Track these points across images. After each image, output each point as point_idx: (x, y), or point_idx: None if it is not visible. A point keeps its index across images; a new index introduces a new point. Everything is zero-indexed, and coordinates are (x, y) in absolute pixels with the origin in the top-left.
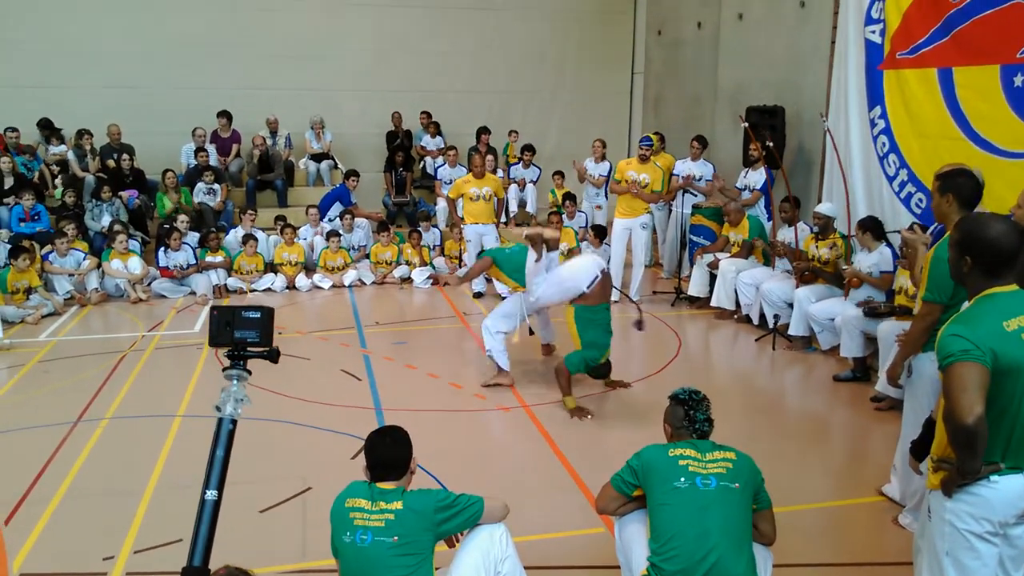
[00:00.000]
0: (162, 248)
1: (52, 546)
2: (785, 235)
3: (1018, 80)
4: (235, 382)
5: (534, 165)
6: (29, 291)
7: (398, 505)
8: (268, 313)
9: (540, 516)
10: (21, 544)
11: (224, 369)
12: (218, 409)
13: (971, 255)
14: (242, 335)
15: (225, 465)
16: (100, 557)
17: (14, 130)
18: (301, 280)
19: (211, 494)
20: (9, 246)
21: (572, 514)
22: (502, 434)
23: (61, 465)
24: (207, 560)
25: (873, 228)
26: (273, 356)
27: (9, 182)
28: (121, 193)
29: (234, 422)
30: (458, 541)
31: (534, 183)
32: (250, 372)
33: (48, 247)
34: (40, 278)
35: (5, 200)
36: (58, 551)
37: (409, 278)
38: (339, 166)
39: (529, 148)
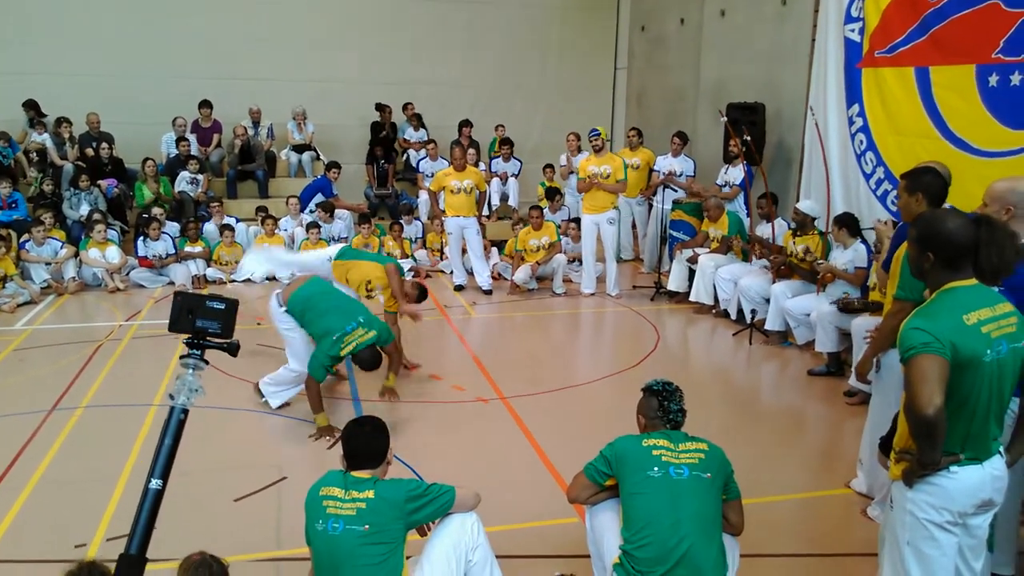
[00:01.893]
0: (141, 237)
1: (25, 533)
2: (763, 231)
3: (993, 80)
4: (191, 371)
5: (515, 158)
6: (5, 279)
7: (370, 494)
8: (232, 305)
9: (513, 505)
10: None
11: (181, 357)
12: (171, 397)
13: (931, 250)
14: (204, 324)
15: (172, 454)
16: (72, 544)
17: None
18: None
19: (155, 483)
20: None
21: (545, 503)
22: (479, 425)
23: (35, 453)
24: (145, 548)
25: (849, 224)
26: (232, 349)
27: None
28: (100, 182)
29: (185, 412)
30: (429, 530)
31: (516, 176)
32: (207, 362)
33: (25, 236)
34: (16, 266)
35: None
36: (30, 538)
37: None
38: (321, 157)
39: (507, 141)
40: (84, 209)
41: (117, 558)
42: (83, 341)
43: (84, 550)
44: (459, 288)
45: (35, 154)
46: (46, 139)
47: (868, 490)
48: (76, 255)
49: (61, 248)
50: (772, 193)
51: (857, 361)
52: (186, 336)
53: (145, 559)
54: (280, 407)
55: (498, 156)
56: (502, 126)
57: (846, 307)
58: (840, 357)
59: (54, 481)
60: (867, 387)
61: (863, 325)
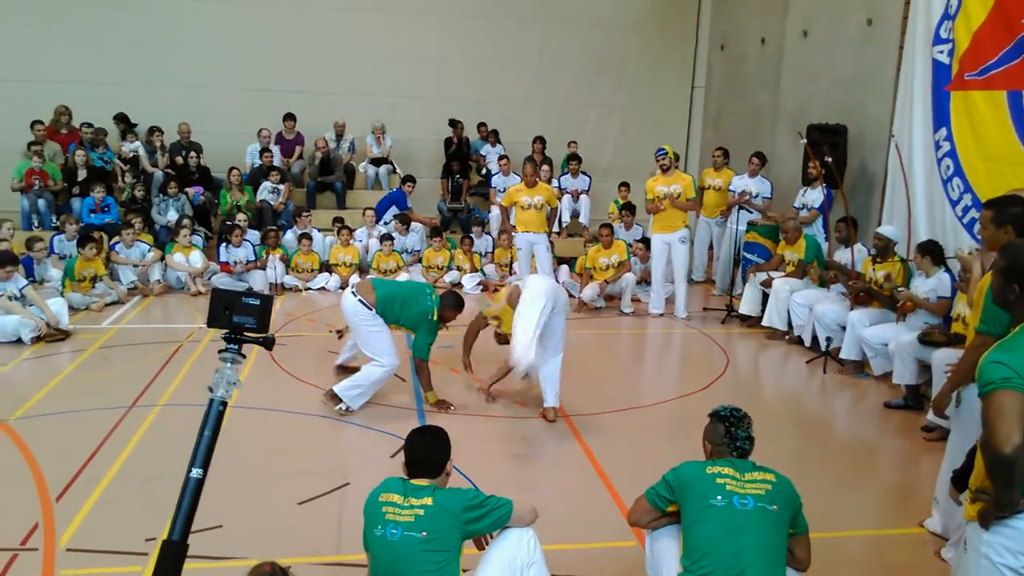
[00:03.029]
0: (224, 243)
1: (99, 525)
2: (841, 256)
3: None
4: (229, 365)
5: (584, 174)
6: (95, 280)
7: (428, 501)
8: (267, 301)
9: (571, 524)
10: (70, 521)
11: (219, 351)
12: (210, 390)
13: (1017, 282)
14: (240, 320)
15: (212, 445)
16: (143, 538)
17: (89, 125)
18: (354, 280)
19: (196, 472)
20: (79, 236)
21: (604, 525)
22: (540, 441)
23: (113, 448)
24: (187, 535)
25: (933, 252)
26: (268, 343)
27: (82, 175)
28: (187, 189)
29: (224, 404)
30: (487, 543)
31: (586, 193)
32: (244, 356)
33: (115, 238)
34: (106, 268)
35: (75, 191)
36: (104, 530)
37: (459, 283)
38: (397, 171)
39: (575, 157)
40: (171, 215)
41: (160, 544)
42: (164, 342)
43: (154, 544)
44: None
45: (127, 164)
46: (138, 147)
47: (943, 531)
48: (162, 258)
49: (148, 251)
50: (852, 217)
51: (935, 395)
52: (224, 331)
53: (187, 545)
54: (346, 413)
55: (567, 173)
56: (575, 142)
57: (927, 339)
58: (919, 390)
59: (129, 476)
60: (946, 423)
61: (944, 358)
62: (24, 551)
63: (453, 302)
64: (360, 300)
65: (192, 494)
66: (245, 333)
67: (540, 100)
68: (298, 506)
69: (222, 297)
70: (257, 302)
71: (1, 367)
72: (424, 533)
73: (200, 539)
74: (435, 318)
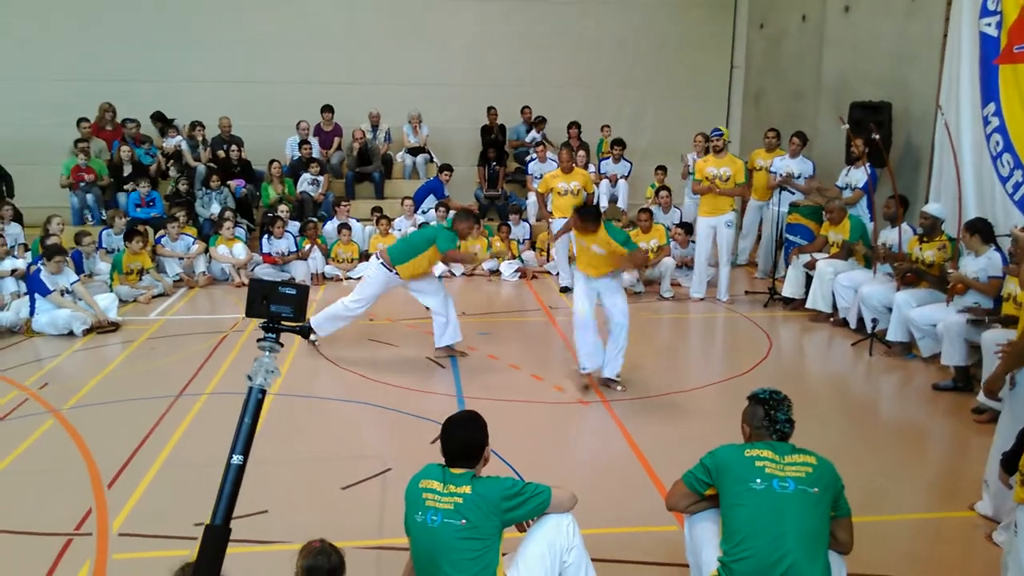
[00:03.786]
0: (266, 236)
1: (149, 510)
2: (888, 236)
3: None
4: (267, 354)
5: (625, 159)
6: (142, 272)
7: (467, 490)
8: (303, 291)
9: (611, 509)
10: (121, 506)
11: (258, 340)
12: (249, 379)
13: None
14: (277, 309)
15: (252, 432)
16: (192, 523)
17: (133, 121)
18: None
19: (237, 458)
20: (125, 230)
21: (644, 510)
22: (579, 426)
23: (162, 435)
24: (228, 519)
25: (982, 230)
26: (305, 332)
27: (127, 170)
28: (229, 182)
29: (263, 392)
30: (529, 526)
31: (625, 178)
32: (282, 345)
33: (161, 232)
34: (152, 261)
35: (125, 187)
36: (154, 515)
37: (497, 270)
38: (434, 160)
39: (619, 142)
40: (215, 208)
41: (203, 528)
42: (210, 332)
43: (202, 528)
44: (564, 290)
45: (170, 158)
46: (181, 142)
47: (995, 514)
48: (206, 251)
49: (193, 244)
50: (902, 195)
51: (987, 377)
52: (262, 320)
53: (229, 529)
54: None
55: (607, 157)
56: (608, 126)
57: (977, 319)
58: (968, 372)
59: (177, 463)
60: (997, 404)
61: (994, 338)
62: (78, 536)
63: (464, 215)
64: (385, 270)
65: (233, 480)
66: (283, 322)
67: (577, 84)
68: (341, 491)
69: (260, 287)
70: (294, 292)
71: (55, 358)
72: (464, 521)
73: (246, 524)
74: (446, 235)
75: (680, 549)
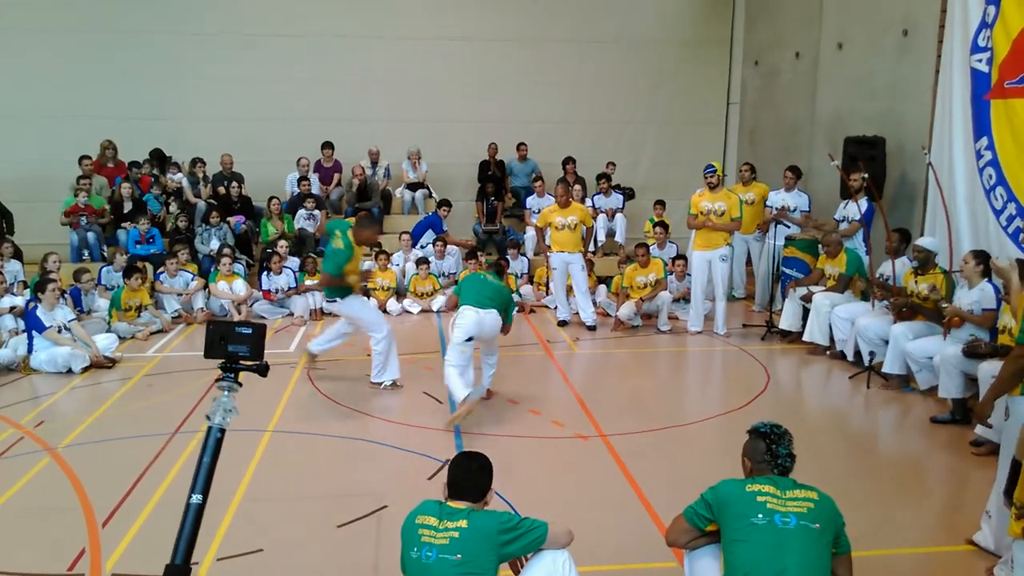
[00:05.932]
0: (265, 272)
1: (143, 549)
2: (887, 269)
3: None
4: (226, 393)
5: (616, 192)
6: (140, 309)
7: (463, 524)
8: (259, 330)
9: (608, 545)
10: (115, 546)
11: (217, 380)
12: (208, 418)
13: None
14: (235, 349)
15: (211, 471)
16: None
17: (138, 165)
18: (392, 304)
19: (196, 498)
20: (125, 267)
21: (641, 545)
22: (577, 462)
23: (157, 474)
24: (189, 559)
25: (985, 262)
26: (262, 370)
27: (128, 207)
28: (229, 218)
29: (222, 431)
30: (522, 567)
31: (621, 211)
32: (240, 384)
33: (160, 268)
34: (151, 297)
35: (124, 224)
36: (148, 554)
37: None
38: (433, 195)
39: (603, 176)
40: (214, 244)
41: (164, 568)
42: (207, 369)
43: (196, 568)
44: (562, 324)
45: (171, 195)
46: (182, 179)
47: (996, 547)
48: (205, 287)
49: (192, 280)
50: (905, 229)
51: (979, 402)
52: (221, 361)
53: (189, 568)
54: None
55: (599, 192)
56: (612, 163)
57: (973, 351)
58: (966, 404)
59: (172, 501)
60: (994, 435)
61: (991, 370)
62: None
63: (366, 222)
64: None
65: (193, 519)
66: (240, 361)
67: (575, 120)
68: (337, 529)
69: (216, 328)
70: (250, 331)
71: (51, 396)
72: (459, 556)
73: (241, 563)
74: (341, 245)
75: None
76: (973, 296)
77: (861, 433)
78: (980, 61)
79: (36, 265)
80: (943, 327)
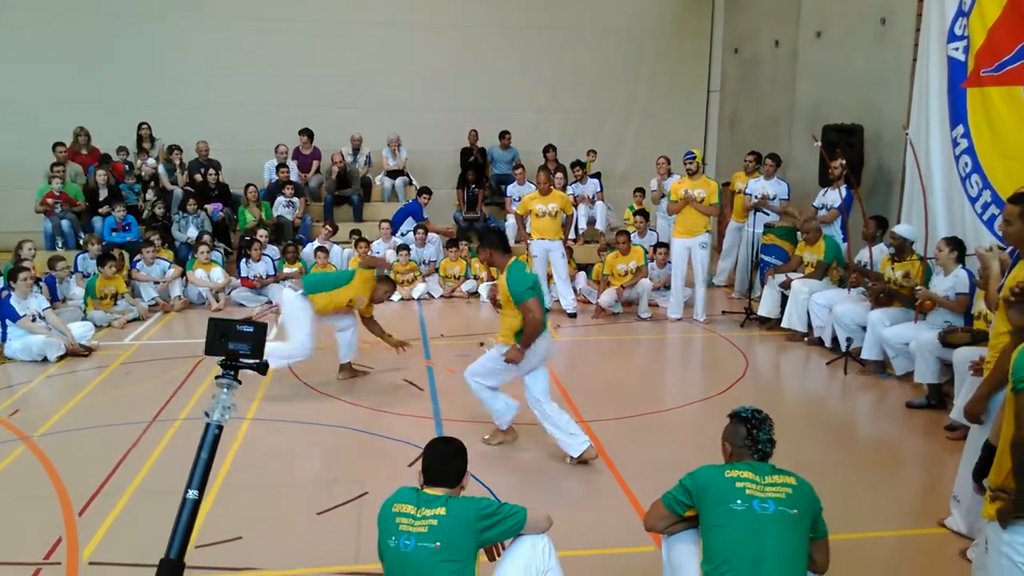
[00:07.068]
0: (243, 259)
1: (121, 538)
2: (864, 255)
3: None
4: (225, 391)
5: (592, 179)
6: (116, 297)
7: (441, 511)
8: (260, 328)
9: (587, 530)
10: (92, 535)
11: (216, 377)
12: (207, 415)
13: None
14: (235, 347)
15: (208, 467)
16: (164, 551)
17: (121, 150)
18: None
19: (192, 493)
20: (99, 254)
21: (620, 530)
22: (557, 448)
23: (135, 462)
24: (183, 553)
25: (960, 248)
26: (262, 368)
27: (103, 195)
28: (206, 206)
29: (220, 428)
30: (499, 555)
31: (599, 195)
32: (240, 382)
33: (136, 256)
34: (127, 285)
35: (99, 211)
36: (125, 543)
37: (476, 292)
38: (414, 182)
39: (577, 163)
40: (191, 232)
41: (158, 563)
42: (185, 357)
43: None
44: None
45: (147, 181)
46: (156, 166)
47: (968, 530)
48: (183, 275)
49: (169, 268)
50: (882, 217)
51: (966, 399)
52: (221, 358)
53: (183, 563)
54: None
55: (575, 181)
56: (593, 151)
57: (949, 339)
58: (941, 389)
59: (150, 490)
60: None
61: (966, 356)
62: (47, 565)
63: (386, 280)
64: (295, 290)
65: (188, 514)
66: (241, 359)
67: (556, 108)
68: (317, 516)
69: (218, 326)
70: (251, 329)
71: (27, 384)
72: (438, 543)
73: (221, 550)
74: (349, 292)
75: (655, 570)
76: (948, 282)
77: (838, 418)
78: (957, 50)
79: (10, 253)
80: (915, 310)
